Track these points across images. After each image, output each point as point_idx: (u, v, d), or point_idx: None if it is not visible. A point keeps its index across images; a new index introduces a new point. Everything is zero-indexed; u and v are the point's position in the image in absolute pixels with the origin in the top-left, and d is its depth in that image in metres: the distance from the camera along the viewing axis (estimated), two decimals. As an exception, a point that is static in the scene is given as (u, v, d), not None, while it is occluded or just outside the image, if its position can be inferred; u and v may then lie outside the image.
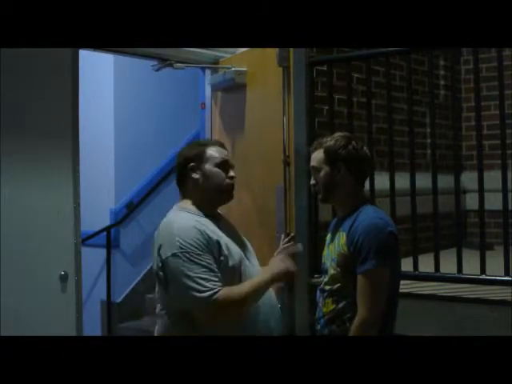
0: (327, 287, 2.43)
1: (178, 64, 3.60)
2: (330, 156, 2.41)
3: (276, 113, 3.35)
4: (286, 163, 3.24)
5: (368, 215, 2.37)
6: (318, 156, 2.44)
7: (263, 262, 3.23)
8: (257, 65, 3.47)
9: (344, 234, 2.38)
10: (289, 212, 3.22)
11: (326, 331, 2.41)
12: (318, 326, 2.46)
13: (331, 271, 2.42)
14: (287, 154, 3.24)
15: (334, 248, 2.44)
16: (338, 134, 2.50)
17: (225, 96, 3.78)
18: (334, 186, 2.42)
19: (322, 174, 2.42)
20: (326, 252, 2.52)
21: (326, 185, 2.43)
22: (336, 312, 2.38)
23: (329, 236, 2.55)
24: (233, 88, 3.63)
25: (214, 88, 3.83)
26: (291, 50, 3.27)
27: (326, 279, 2.45)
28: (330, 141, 2.43)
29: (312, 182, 2.48)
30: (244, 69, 3.57)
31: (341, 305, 2.37)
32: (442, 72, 5.17)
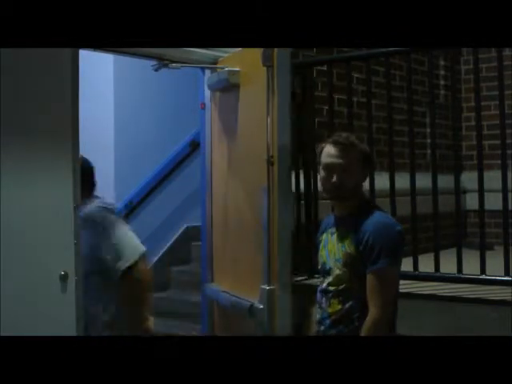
0: (332, 288, 2.42)
1: (174, 64, 3.60)
2: (365, 158, 2.44)
3: (263, 113, 3.33)
4: (270, 163, 3.22)
5: (375, 214, 2.38)
6: (349, 155, 2.40)
7: (249, 264, 3.25)
8: (249, 64, 3.43)
9: (350, 234, 2.38)
10: (272, 213, 3.20)
11: (333, 332, 2.40)
12: (322, 327, 2.45)
13: (337, 271, 2.41)
14: (271, 153, 3.22)
15: (336, 248, 2.44)
16: (352, 135, 2.50)
17: (221, 96, 3.78)
18: (357, 185, 2.45)
19: (352, 173, 2.40)
20: (324, 252, 2.51)
21: (352, 184, 2.41)
22: (343, 312, 2.38)
23: (325, 236, 2.53)
24: (228, 88, 3.62)
25: (211, 88, 3.82)
26: (275, 49, 3.24)
27: (330, 280, 2.44)
28: (359, 142, 2.46)
29: (334, 180, 2.40)
30: (237, 69, 3.55)
31: (347, 305, 2.37)
32: (442, 72, 5.18)
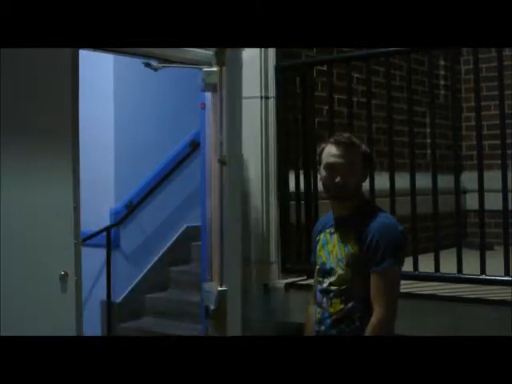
0: (334, 287, 2.42)
1: (156, 65, 3.62)
2: (365, 158, 2.45)
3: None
4: (222, 163, 3.22)
5: (378, 215, 2.39)
6: (351, 155, 2.40)
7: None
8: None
9: (352, 234, 2.38)
10: (223, 212, 3.22)
11: (334, 331, 2.40)
12: (323, 327, 2.45)
13: (339, 271, 2.41)
14: (223, 153, 3.23)
15: (337, 248, 2.44)
16: (353, 135, 2.50)
17: (211, 96, 3.79)
18: (359, 185, 2.45)
19: (354, 173, 2.40)
20: (323, 252, 2.50)
21: (354, 184, 2.41)
22: (345, 312, 2.38)
23: (323, 236, 2.53)
24: (213, 88, 3.63)
25: (203, 89, 3.82)
26: (227, 49, 3.22)
27: (332, 280, 2.43)
28: (360, 142, 2.46)
29: (337, 179, 2.39)
30: (214, 69, 3.54)
31: (350, 304, 2.37)
32: (442, 72, 5.18)
